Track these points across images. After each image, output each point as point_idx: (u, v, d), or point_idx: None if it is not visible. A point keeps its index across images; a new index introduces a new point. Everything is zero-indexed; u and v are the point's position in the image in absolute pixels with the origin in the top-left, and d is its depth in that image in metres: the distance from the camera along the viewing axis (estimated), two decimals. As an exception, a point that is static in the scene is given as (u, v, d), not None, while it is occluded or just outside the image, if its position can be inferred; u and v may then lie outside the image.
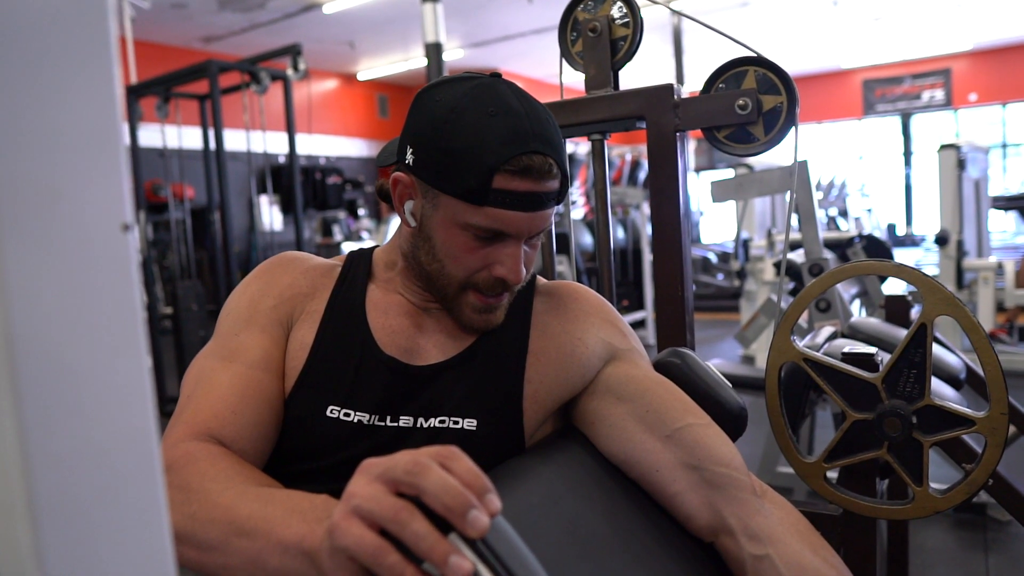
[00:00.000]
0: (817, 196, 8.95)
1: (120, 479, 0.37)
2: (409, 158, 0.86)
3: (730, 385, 1.05)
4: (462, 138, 0.80)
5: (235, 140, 5.94)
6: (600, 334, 0.96)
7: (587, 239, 7.18)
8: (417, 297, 0.93)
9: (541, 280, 1.02)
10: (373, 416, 0.87)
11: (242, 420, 0.82)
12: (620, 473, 0.92)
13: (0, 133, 0.33)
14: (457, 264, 0.86)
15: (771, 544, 0.84)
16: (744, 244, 5.04)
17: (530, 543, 0.76)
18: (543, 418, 0.93)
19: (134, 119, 4.70)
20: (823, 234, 3.60)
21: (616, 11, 1.27)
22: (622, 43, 1.27)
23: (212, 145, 4.43)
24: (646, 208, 6.70)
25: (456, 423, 0.87)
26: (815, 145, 14.17)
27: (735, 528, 0.85)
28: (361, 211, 11.10)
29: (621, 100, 1.23)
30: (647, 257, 6.24)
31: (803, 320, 2.44)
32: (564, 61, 1.35)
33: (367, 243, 9.39)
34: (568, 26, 1.33)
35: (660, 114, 1.19)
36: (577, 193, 7.88)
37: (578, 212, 8.08)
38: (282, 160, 9.05)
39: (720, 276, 8.21)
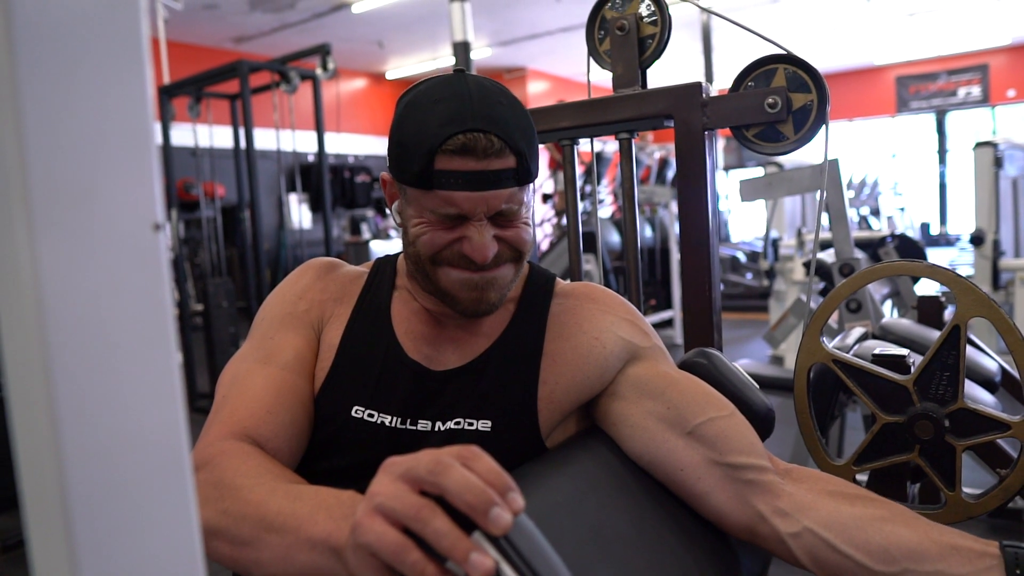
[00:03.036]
0: (848, 195, 8.83)
1: (150, 469, 0.38)
2: (388, 159, 0.89)
3: (757, 386, 1.04)
4: (408, 128, 0.83)
5: (265, 139, 6.01)
6: (619, 332, 0.95)
7: (615, 238, 7.15)
8: (431, 302, 0.94)
9: (560, 282, 1.02)
10: (395, 419, 0.89)
11: (277, 420, 0.84)
12: (645, 474, 0.91)
13: (37, 136, 0.34)
14: (425, 245, 0.86)
15: (804, 516, 0.83)
16: (773, 243, 4.99)
17: (553, 543, 0.76)
18: (560, 419, 0.93)
19: (167, 119, 4.77)
20: (855, 233, 3.54)
21: (644, 9, 1.26)
22: (650, 41, 1.26)
23: (243, 144, 4.48)
24: (674, 207, 6.65)
25: (471, 424, 0.89)
26: (847, 143, 13.97)
27: (766, 513, 0.84)
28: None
29: (649, 99, 1.23)
30: (675, 256, 6.20)
31: (833, 321, 2.40)
32: (592, 60, 1.34)
33: (395, 241, 9.45)
34: (596, 24, 1.32)
35: (688, 113, 1.18)
36: (605, 192, 7.84)
37: (606, 211, 8.04)
38: (311, 159, 9.12)
39: (749, 275, 8.13)
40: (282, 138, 5.26)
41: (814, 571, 0.84)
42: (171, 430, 0.39)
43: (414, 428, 0.89)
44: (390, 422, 0.88)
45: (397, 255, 1.03)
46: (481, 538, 0.50)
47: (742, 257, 8.31)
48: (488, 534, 0.50)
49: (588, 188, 7.56)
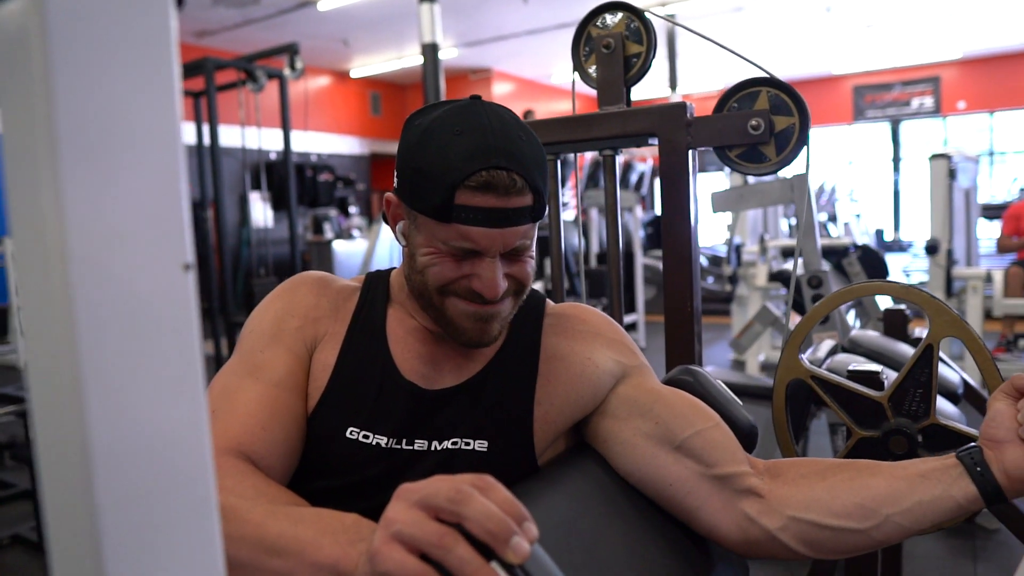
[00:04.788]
0: (807, 201, 8.90)
1: (177, 504, 0.39)
2: (396, 180, 0.89)
3: (740, 402, 1.07)
4: (429, 157, 0.82)
5: (229, 136, 5.91)
6: (609, 353, 0.97)
7: (574, 240, 7.20)
8: (428, 321, 0.94)
9: (550, 303, 1.03)
10: (391, 439, 0.89)
11: (271, 437, 0.83)
12: (635, 492, 0.93)
13: (71, 180, 0.34)
14: (434, 276, 0.86)
15: (786, 507, 0.86)
16: (736, 249, 5.07)
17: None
18: (553, 438, 0.94)
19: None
20: (829, 242, 3.63)
21: (629, 28, 1.28)
22: (635, 60, 1.28)
23: (207, 141, 4.41)
24: (639, 211, 6.71)
25: (468, 445, 0.89)
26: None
27: (752, 515, 0.87)
28: (352, 209, 11.07)
29: (634, 117, 1.25)
30: (639, 261, 6.26)
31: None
32: (577, 76, 1.36)
33: (358, 241, 9.37)
34: (581, 41, 1.34)
35: (673, 132, 1.21)
36: (569, 195, 7.89)
37: (569, 214, 8.10)
38: (274, 156, 9.00)
39: (711, 280, 8.25)
40: (247, 136, 5.18)
41: (815, 555, 0.86)
42: (199, 464, 0.40)
43: (410, 448, 0.88)
44: (385, 443, 0.88)
45: (389, 271, 1.02)
46: (499, 567, 0.51)
47: (704, 262, 8.44)
48: (504, 562, 0.51)
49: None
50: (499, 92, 12.28)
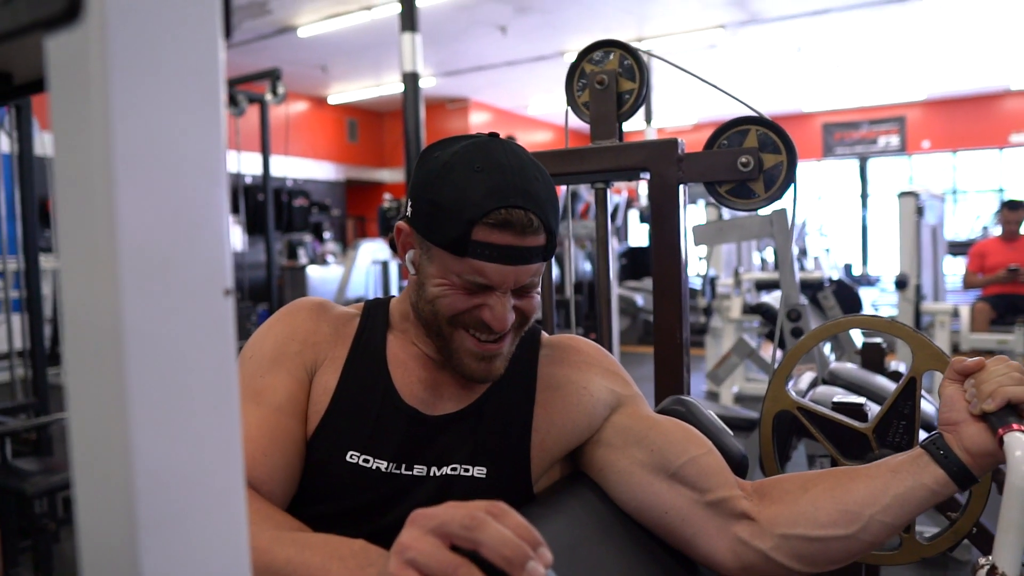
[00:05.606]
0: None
1: (211, 513, 0.40)
2: (409, 210, 0.90)
3: (731, 432, 1.09)
4: (448, 192, 0.83)
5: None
6: (604, 383, 0.99)
7: (583, 267, 7.25)
8: (431, 349, 0.95)
9: (545, 335, 1.05)
10: (391, 464, 0.89)
11: (272, 462, 0.83)
12: (631, 521, 0.94)
13: (124, 204, 0.35)
14: (446, 307, 0.87)
15: (774, 526, 0.88)
16: (711, 282, 5.14)
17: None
18: (549, 465, 0.96)
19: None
20: (804, 275, 3.69)
21: (623, 65, 1.32)
22: (627, 96, 1.32)
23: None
24: (615, 243, 6.79)
25: (467, 471, 0.90)
26: (775, 184, 14.52)
27: (744, 538, 0.88)
28: (327, 234, 11.04)
29: (626, 152, 1.28)
30: (615, 291, 6.30)
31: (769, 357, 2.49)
32: (570, 110, 1.39)
33: (332, 267, 9.32)
34: (575, 77, 1.37)
35: (664, 167, 1.24)
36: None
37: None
38: (250, 180, 8.96)
39: (684, 310, 8.33)
40: (230, 159, 5.17)
41: (811, 569, 0.88)
42: (232, 480, 0.41)
43: (409, 473, 0.89)
44: (385, 467, 0.88)
45: (388, 299, 1.03)
46: None
47: (678, 292, 8.53)
48: None
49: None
50: (476, 121, 12.39)
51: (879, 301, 8.17)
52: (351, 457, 0.88)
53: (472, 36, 8.88)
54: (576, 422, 0.96)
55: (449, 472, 0.89)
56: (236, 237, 8.15)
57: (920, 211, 4.80)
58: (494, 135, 0.90)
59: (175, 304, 0.38)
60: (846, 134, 14.03)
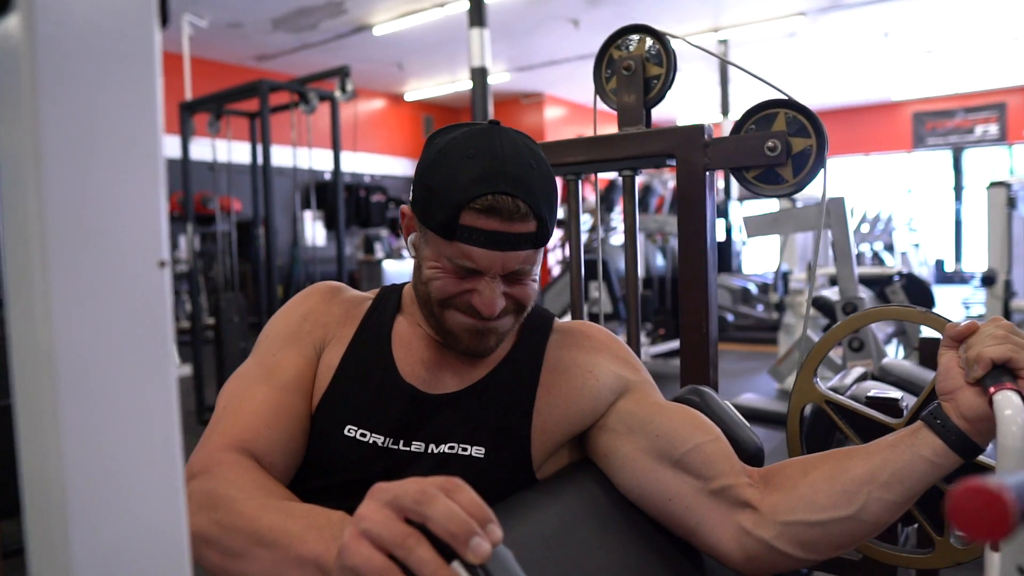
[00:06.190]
0: (863, 229, 8.70)
1: (146, 485, 0.41)
2: (411, 195, 0.93)
3: (748, 424, 1.06)
4: (439, 177, 0.86)
5: (282, 156, 6.09)
6: (611, 367, 0.98)
7: (622, 264, 7.17)
8: (434, 330, 0.97)
9: (558, 321, 1.05)
10: (388, 439, 0.91)
11: (274, 435, 0.87)
12: (632, 511, 0.93)
13: (52, 182, 0.37)
14: (437, 289, 0.90)
15: (776, 514, 0.85)
16: (784, 276, 4.99)
17: None
18: (552, 450, 0.95)
19: (186, 134, 4.86)
20: (865, 270, 3.54)
21: (650, 50, 1.30)
22: (655, 82, 1.30)
23: (260, 161, 4.55)
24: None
25: (465, 450, 0.91)
26: (862, 177, 13.96)
27: (748, 527, 0.86)
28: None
29: (652, 138, 1.26)
30: (685, 285, 6.18)
31: (839, 356, 2.40)
32: (598, 97, 1.38)
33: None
34: (603, 63, 1.36)
35: (690, 153, 1.21)
36: (619, 219, 7.89)
37: (618, 238, 8.08)
38: (327, 177, 9.23)
39: (760, 307, 8.10)
40: (299, 156, 5.33)
41: (816, 556, 0.85)
42: (168, 453, 0.42)
43: (407, 449, 0.91)
44: (382, 442, 0.91)
45: (404, 284, 1.06)
46: (460, 567, 0.52)
47: (754, 289, 8.29)
48: (467, 564, 0.52)
49: (600, 215, 7.61)
50: (551, 116, 12.37)
51: (971, 299, 7.72)
52: (348, 431, 0.91)
53: (545, 30, 8.87)
54: (579, 406, 0.95)
55: (447, 450, 0.91)
56: (309, 231, 8.40)
57: (1012, 202, 4.52)
58: (495, 123, 0.91)
59: (107, 274, 0.40)
60: (939, 123, 13.31)
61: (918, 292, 2.92)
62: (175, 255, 7.41)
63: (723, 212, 9.16)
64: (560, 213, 7.73)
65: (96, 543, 0.38)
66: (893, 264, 8.32)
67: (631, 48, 1.31)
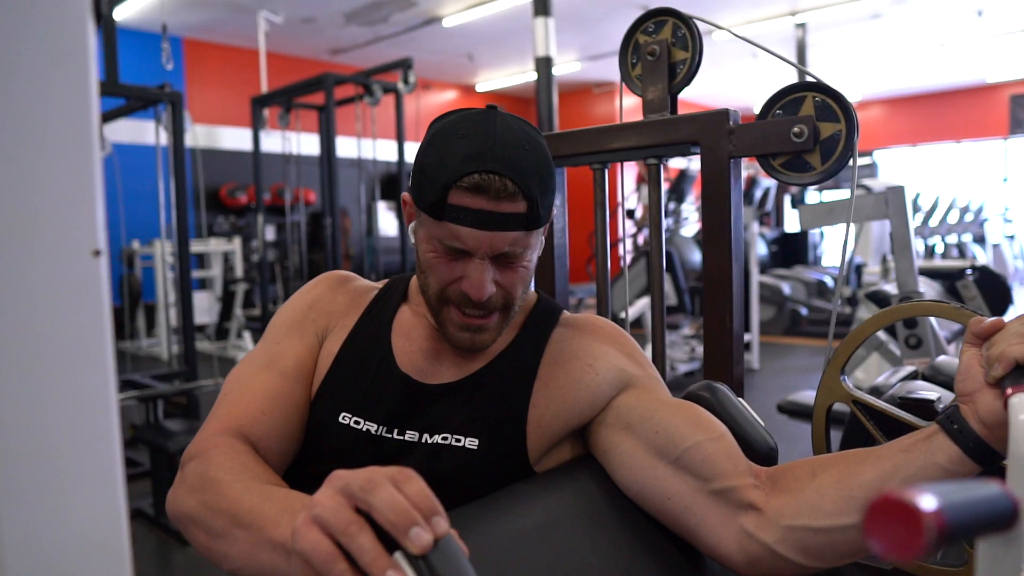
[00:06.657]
0: (952, 219, 8.29)
1: (81, 475, 0.41)
2: (410, 179, 0.93)
3: (762, 423, 1.01)
4: (430, 158, 0.86)
5: (352, 147, 6.21)
6: (613, 362, 0.96)
7: (696, 256, 7.02)
8: (435, 321, 0.97)
9: (566, 314, 1.04)
10: (381, 427, 0.92)
11: (270, 421, 0.89)
12: (629, 506, 0.90)
13: None
14: (433, 275, 0.90)
15: (781, 518, 0.81)
16: (857, 269, 4.79)
17: (514, 571, 0.77)
18: (549, 443, 0.93)
19: (257, 127, 5.01)
20: (937, 263, 3.36)
21: (676, 35, 1.26)
22: (681, 67, 1.25)
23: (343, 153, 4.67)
24: (755, 227, 6.48)
25: (458, 441, 0.90)
26: (952, 166, 13.25)
27: (750, 530, 0.82)
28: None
29: (676, 125, 1.22)
30: (754, 278, 6.02)
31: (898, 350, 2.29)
32: (624, 84, 1.34)
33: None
34: (629, 49, 1.32)
35: (714, 140, 1.17)
36: (692, 209, 7.72)
37: (690, 229, 7.92)
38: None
39: (839, 301, 7.81)
40: (367, 147, 5.43)
41: (817, 564, 0.81)
42: (105, 443, 0.42)
43: (400, 438, 0.91)
44: (375, 430, 0.91)
45: (413, 274, 1.06)
46: (402, 558, 0.52)
47: (829, 282, 8.00)
48: (409, 555, 0.52)
49: (672, 205, 7.47)
50: (625, 105, 12.20)
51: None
52: (343, 418, 0.93)
53: (615, 18, 8.74)
54: (577, 399, 0.93)
55: (440, 441, 0.90)
56: (383, 221, 8.54)
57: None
58: (492, 107, 0.90)
59: (41, 263, 0.41)
60: (1039, 107, 12.51)
61: (993, 287, 2.74)
62: (251, 245, 7.66)
63: (799, 201, 8.86)
64: (639, 197, 7.59)
65: (28, 538, 0.39)
66: (986, 256, 7.89)
67: (656, 33, 1.27)
